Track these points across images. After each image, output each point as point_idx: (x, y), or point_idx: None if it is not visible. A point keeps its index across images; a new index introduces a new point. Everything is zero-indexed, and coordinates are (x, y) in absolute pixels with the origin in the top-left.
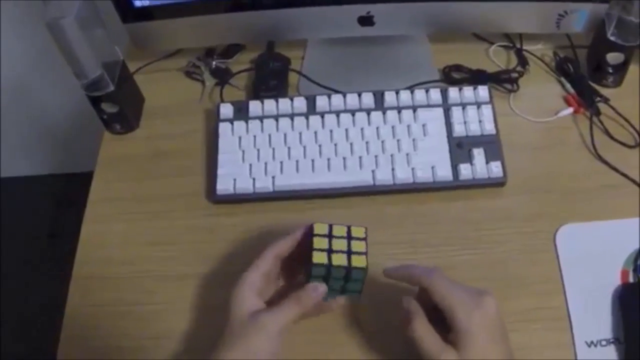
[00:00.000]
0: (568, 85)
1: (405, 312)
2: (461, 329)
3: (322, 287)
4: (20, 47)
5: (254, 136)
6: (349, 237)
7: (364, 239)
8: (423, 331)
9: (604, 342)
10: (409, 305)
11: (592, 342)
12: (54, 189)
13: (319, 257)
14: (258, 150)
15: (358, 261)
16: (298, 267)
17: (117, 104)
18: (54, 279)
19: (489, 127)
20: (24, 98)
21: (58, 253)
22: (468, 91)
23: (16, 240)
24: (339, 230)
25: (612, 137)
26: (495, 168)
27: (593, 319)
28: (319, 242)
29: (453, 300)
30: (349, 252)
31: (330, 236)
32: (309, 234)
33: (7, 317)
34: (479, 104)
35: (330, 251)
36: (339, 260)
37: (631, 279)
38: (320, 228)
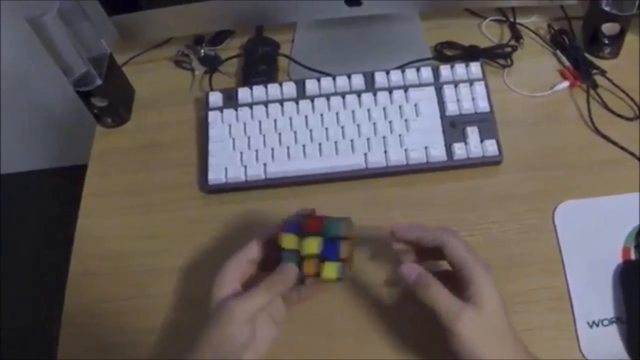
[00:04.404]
0: (563, 58)
1: (409, 280)
2: (479, 281)
3: (292, 270)
4: (14, 41)
5: (244, 123)
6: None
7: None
8: (437, 292)
9: (605, 322)
10: (411, 272)
11: (593, 322)
12: (53, 183)
13: (287, 241)
14: (249, 137)
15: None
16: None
17: (106, 98)
18: (54, 275)
19: (483, 105)
20: (19, 92)
21: (57, 248)
22: (460, 68)
23: (15, 237)
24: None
25: (610, 110)
26: (490, 146)
27: (594, 298)
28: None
29: (469, 257)
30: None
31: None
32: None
33: (7, 314)
34: (471, 81)
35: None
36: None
37: (632, 256)
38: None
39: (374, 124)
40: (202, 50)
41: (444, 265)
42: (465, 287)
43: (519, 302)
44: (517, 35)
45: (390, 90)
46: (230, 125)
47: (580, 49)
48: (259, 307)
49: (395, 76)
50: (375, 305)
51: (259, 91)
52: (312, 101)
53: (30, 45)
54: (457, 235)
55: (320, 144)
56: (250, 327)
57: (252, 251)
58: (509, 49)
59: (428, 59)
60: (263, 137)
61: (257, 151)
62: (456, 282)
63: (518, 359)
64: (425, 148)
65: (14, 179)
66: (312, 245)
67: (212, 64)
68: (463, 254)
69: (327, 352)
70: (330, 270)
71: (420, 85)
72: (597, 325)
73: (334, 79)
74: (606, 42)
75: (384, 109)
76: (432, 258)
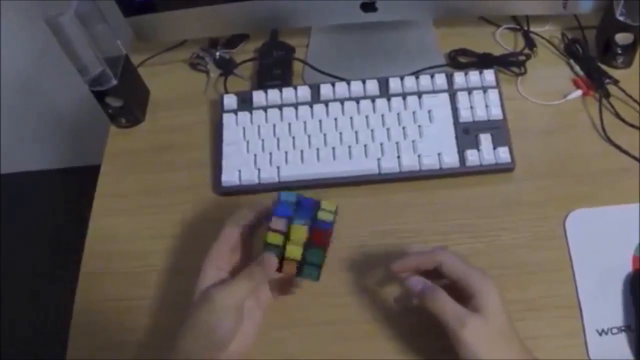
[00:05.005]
0: (577, 67)
1: (416, 290)
2: (481, 290)
3: (272, 261)
4: (27, 41)
5: (259, 126)
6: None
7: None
8: (444, 302)
9: (615, 330)
10: (417, 283)
11: (602, 330)
12: (66, 183)
13: (272, 238)
14: (263, 140)
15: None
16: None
17: (121, 98)
18: (64, 274)
19: (496, 112)
20: (32, 92)
21: (69, 247)
22: (474, 75)
23: (27, 236)
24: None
25: (622, 120)
26: (503, 153)
27: (604, 307)
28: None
29: (467, 268)
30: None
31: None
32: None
33: (19, 310)
34: (485, 89)
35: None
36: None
37: None
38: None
39: (388, 129)
40: (217, 53)
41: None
42: (469, 297)
43: (529, 309)
44: (530, 44)
45: (404, 96)
46: (244, 128)
47: (594, 59)
48: (240, 296)
49: (410, 82)
50: (382, 310)
51: (273, 95)
52: (327, 106)
53: (45, 45)
54: (449, 250)
55: (333, 149)
56: (234, 316)
57: (230, 238)
58: (522, 57)
59: (442, 65)
60: (277, 140)
61: (270, 154)
62: (458, 293)
63: None
64: (438, 154)
65: (26, 178)
66: (295, 252)
67: (227, 67)
68: (460, 267)
69: (333, 355)
70: (311, 275)
71: (434, 91)
72: (607, 334)
73: (348, 84)
74: (619, 51)
75: (398, 114)
76: (434, 278)
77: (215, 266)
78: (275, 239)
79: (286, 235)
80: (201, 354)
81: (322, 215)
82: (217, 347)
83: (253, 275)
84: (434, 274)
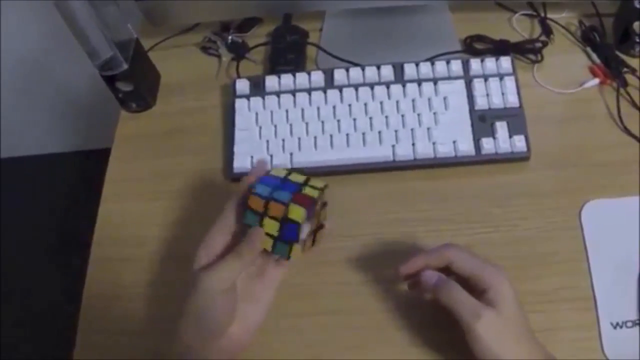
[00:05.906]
0: (594, 56)
1: (430, 283)
2: (495, 284)
3: (258, 235)
4: (37, 24)
5: (271, 112)
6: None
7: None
8: (458, 295)
9: (629, 324)
10: (431, 277)
11: (617, 324)
12: (76, 166)
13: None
14: (275, 126)
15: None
16: None
17: (131, 83)
18: (75, 260)
19: (512, 100)
20: (42, 75)
21: (79, 231)
22: (490, 62)
23: (36, 220)
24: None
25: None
26: (519, 142)
27: (619, 300)
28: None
29: (479, 262)
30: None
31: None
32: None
33: (28, 292)
34: (501, 76)
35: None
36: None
37: None
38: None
39: (403, 116)
40: (230, 37)
41: None
42: (482, 292)
43: (543, 301)
44: (547, 31)
45: (419, 82)
46: (257, 113)
47: (611, 47)
48: (230, 276)
49: (425, 68)
50: (393, 300)
51: (286, 79)
52: (341, 91)
53: (56, 28)
54: (458, 246)
55: (347, 135)
56: (224, 299)
57: (227, 222)
58: (539, 44)
59: (458, 51)
60: (290, 126)
61: (283, 140)
62: (470, 289)
63: (536, 359)
64: (454, 142)
65: (35, 161)
66: (271, 227)
67: (239, 51)
68: (472, 262)
69: (344, 344)
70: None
71: (450, 78)
72: (621, 327)
73: (362, 69)
74: (637, 40)
75: (413, 101)
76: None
77: (208, 251)
78: (256, 204)
79: (266, 207)
80: (199, 342)
81: (307, 191)
82: (213, 333)
83: (241, 253)
84: (443, 271)
